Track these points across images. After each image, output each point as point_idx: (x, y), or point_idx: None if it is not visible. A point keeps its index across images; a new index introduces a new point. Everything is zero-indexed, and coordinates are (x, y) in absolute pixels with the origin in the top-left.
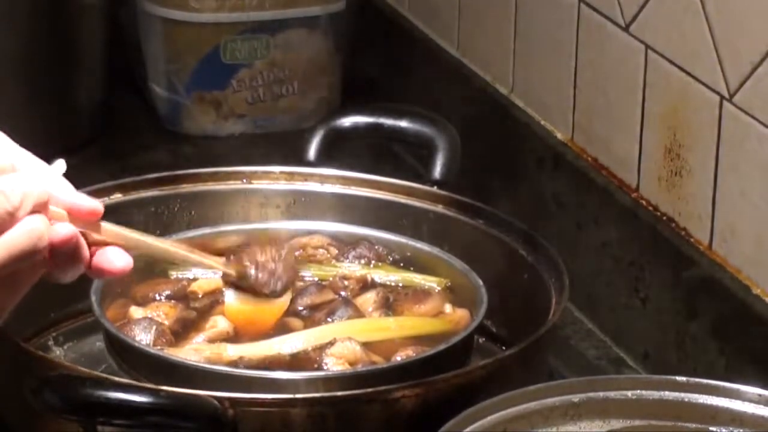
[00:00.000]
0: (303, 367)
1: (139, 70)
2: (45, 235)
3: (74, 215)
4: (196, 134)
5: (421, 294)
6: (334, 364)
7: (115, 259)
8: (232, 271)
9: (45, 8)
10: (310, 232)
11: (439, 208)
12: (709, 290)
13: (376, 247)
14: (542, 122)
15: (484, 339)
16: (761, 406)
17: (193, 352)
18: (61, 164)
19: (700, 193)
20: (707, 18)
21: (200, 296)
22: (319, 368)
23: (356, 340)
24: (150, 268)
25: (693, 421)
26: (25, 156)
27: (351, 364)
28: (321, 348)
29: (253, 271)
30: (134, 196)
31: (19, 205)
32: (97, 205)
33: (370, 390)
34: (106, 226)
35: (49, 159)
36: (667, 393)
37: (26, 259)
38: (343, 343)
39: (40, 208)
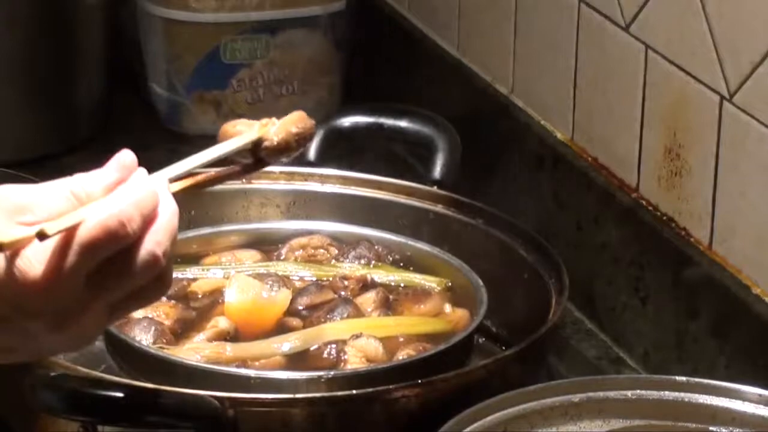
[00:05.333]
0: (318, 359)
1: (139, 70)
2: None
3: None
4: (196, 134)
5: (421, 294)
6: (353, 356)
7: None
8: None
9: (45, 9)
10: (310, 232)
11: (439, 208)
12: (709, 290)
13: (376, 247)
14: (542, 122)
15: (484, 339)
16: (761, 406)
17: (193, 351)
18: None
19: (700, 193)
20: (707, 18)
21: (200, 296)
22: (338, 359)
23: (379, 339)
24: None
25: (693, 421)
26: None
27: (369, 360)
28: (344, 340)
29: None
30: None
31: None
32: (128, 160)
33: (370, 390)
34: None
35: (49, 159)
36: (667, 393)
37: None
38: (367, 339)
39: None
